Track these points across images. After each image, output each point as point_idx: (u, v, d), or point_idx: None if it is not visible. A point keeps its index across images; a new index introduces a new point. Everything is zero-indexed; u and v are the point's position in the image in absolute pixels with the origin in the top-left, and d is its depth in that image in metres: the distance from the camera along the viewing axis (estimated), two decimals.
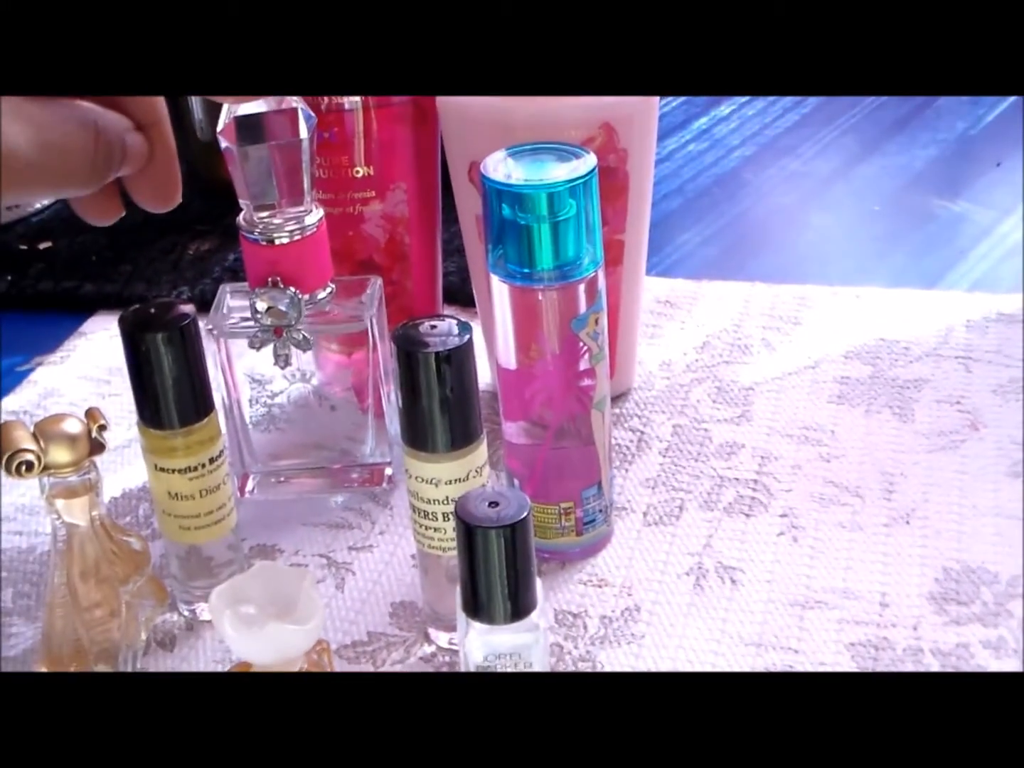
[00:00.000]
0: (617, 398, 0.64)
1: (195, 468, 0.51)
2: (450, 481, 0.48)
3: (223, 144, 0.54)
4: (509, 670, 0.42)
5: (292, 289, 0.55)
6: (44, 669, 0.50)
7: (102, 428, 0.47)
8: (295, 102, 0.54)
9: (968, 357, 0.66)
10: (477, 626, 0.42)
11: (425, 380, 0.47)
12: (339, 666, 0.50)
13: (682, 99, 0.96)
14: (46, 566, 0.51)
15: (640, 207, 0.60)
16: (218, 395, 0.57)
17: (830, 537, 0.56)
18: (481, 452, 0.49)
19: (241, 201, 0.55)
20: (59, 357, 0.72)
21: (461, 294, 0.71)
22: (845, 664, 0.49)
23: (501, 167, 0.50)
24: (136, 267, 0.79)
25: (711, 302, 0.72)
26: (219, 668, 0.50)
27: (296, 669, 0.44)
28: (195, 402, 0.50)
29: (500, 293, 0.51)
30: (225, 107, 0.54)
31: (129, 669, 0.50)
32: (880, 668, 0.49)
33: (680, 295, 0.73)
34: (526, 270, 0.50)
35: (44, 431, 0.47)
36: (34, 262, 0.80)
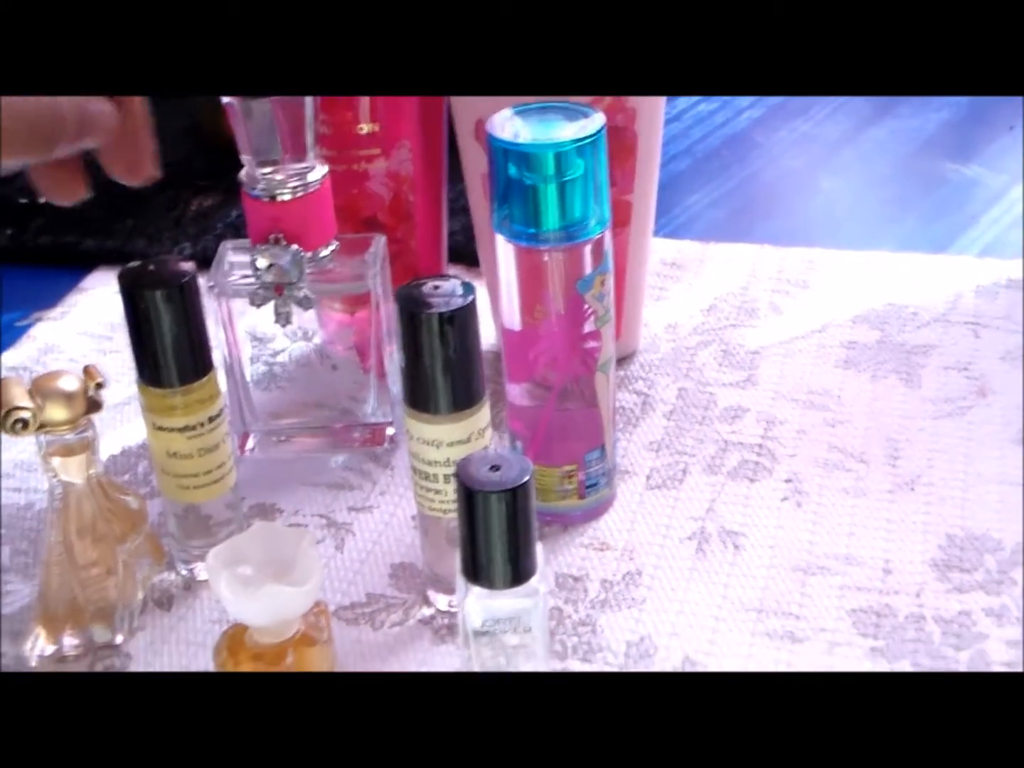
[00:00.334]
0: (622, 360, 0.64)
1: (194, 427, 0.50)
2: (452, 443, 0.48)
3: (225, 99, 0.53)
4: (507, 633, 0.42)
5: (294, 246, 0.55)
6: (40, 627, 0.49)
7: (99, 386, 0.47)
8: None
9: (976, 323, 0.65)
10: (476, 590, 0.41)
11: (428, 341, 0.46)
12: (337, 628, 0.50)
13: None
14: (44, 523, 0.51)
15: (648, 167, 0.60)
16: (219, 353, 0.56)
17: (834, 503, 0.55)
18: (483, 414, 0.48)
19: (243, 157, 0.55)
20: (59, 312, 0.72)
21: (466, 253, 0.70)
22: (846, 631, 0.49)
23: (507, 125, 0.49)
24: (138, 223, 0.78)
25: (718, 264, 0.72)
26: (216, 628, 0.50)
27: (293, 631, 0.44)
28: (194, 361, 0.50)
29: (505, 253, 0.50)
30: None
31: (126, 628, 0.50)
32: (882, 635, 0.49)
33: (687, 257, 0.72)
34: (532, 230, 0.49)
35: (41, 388, 0.46)
36: (35, 216, 0.80)
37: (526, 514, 0.40)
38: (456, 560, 0.42)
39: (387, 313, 0.57)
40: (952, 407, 0.60)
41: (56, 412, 0.46)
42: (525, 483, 0.40)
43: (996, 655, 0.48)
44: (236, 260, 0.57)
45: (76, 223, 0.78)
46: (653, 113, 0.58)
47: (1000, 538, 0.53)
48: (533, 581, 0.42)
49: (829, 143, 0.83)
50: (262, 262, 0.55)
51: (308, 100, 0.53)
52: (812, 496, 0.56)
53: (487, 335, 0.62)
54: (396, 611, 0.51)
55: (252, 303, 0.56)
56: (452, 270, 0.70)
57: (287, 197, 0.54)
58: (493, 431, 0.58)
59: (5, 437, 0.46)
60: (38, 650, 0.49)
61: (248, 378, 0.59)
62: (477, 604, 0.42)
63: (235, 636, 0.45)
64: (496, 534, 0.40)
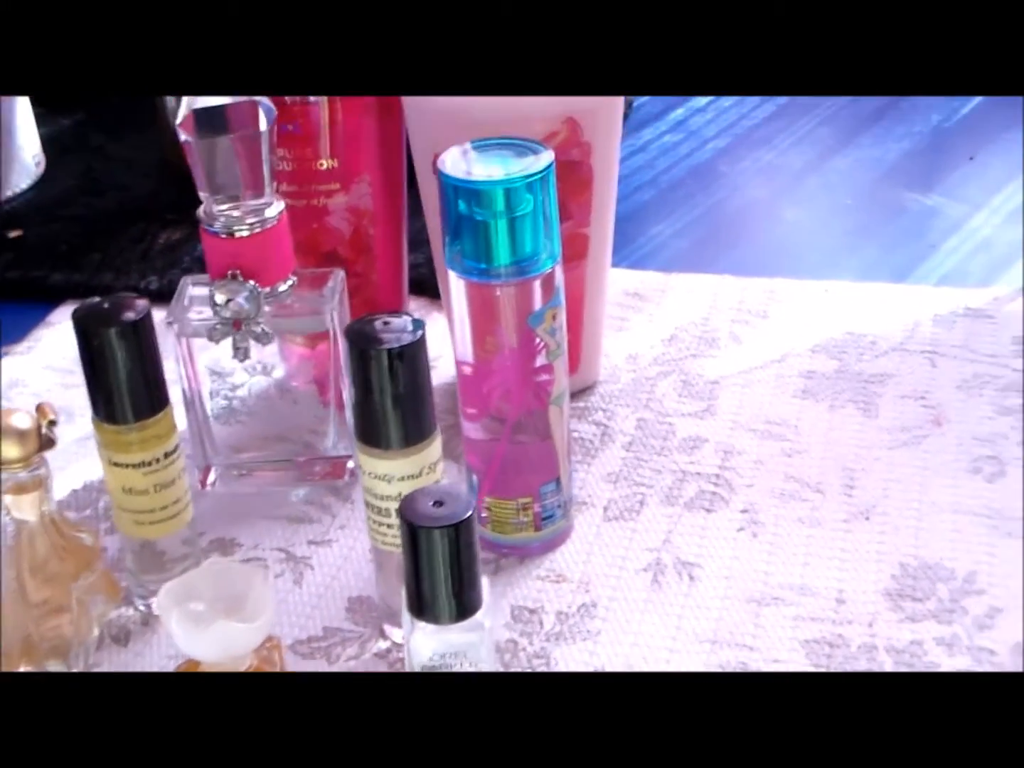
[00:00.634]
0: (582, 392, 0.64)
1: (149, 463, 0.51)
2: (403, 478, 0.48)
3: (182, 136, 0.54)
4: (456, 670, 0.42)
5: (251, 282, 0.55)
6: None
7: (52, 423, 0.47)
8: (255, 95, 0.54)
9: (934, 352, 0.66)
10: (422, 626, 0.42)
11: (377, 377, 0.47)
12: (292, 662, 0.50)
13: None
14: None
15: (605, 201, 0.60)
16: (178, 387, 0.57)
17: (789, 533, 0.56)
18: (434, 448, 0.49)
19: (201, 193, 0.55)
20: (25, 347, 0.72)
21: (429, 286, 0.71)
22: (799, 662, 0.49)
23: (458, 162, 0.49)
24: (105, 256, 0.78)
25: (680, 295, 0.72)
26: (172, 663, 0.50)
27: (245, 666, 0.44)
28: (149, 397, 0.50)
29: (457, 288, 0.51)
30: (184, 99, 0.54)
31: (81, 665, 0.50)
32: (834, 666, 0.49)
33: (649, 287, 0.73)
34: (483, 266, 0.50)
35: None
36: (2, 251, 0.80)
37: (470, 549, 0.41)
38: (402, 596, 0.43)
39: (345, 347, 0.57)
40: (908, 436, 0.60)
41: (8, 450, 0.47)
42: (468, 518, 0.40)
43: None
44: (196, 295, 0.57)
45: (44, 257, 0.79)
46: (608, 147, 0.59)
47: (953, 567, 0.53)
48: (479, 615, 0.42)
49: (792, 173, 0.84)
50: (220, 298, 0.55)
51: (265, 137, 0.54)
52: (768, 526, 0.56)
53: (448, 368, 0.63)
54: (352, 645, 0.52)
55: (210, 338, 0.56)
56: (414, 302, 0.70)
57: (245, 233, 0.55)
58: (452, 463, 0.59)
59: None
60: None
61: (209, 413, 0.60)
62: (424, 639, 0.42)
63: (187, 671, 0.45)
64: (440, 569, 0.41)
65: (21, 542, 0.48)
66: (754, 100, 0.93)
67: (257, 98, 0.54)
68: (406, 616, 0.42)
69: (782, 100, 0.93)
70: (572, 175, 0.57)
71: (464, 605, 0.41)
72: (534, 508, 0.54)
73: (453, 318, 0.52)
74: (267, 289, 0.56)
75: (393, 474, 0.48)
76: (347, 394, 0.58)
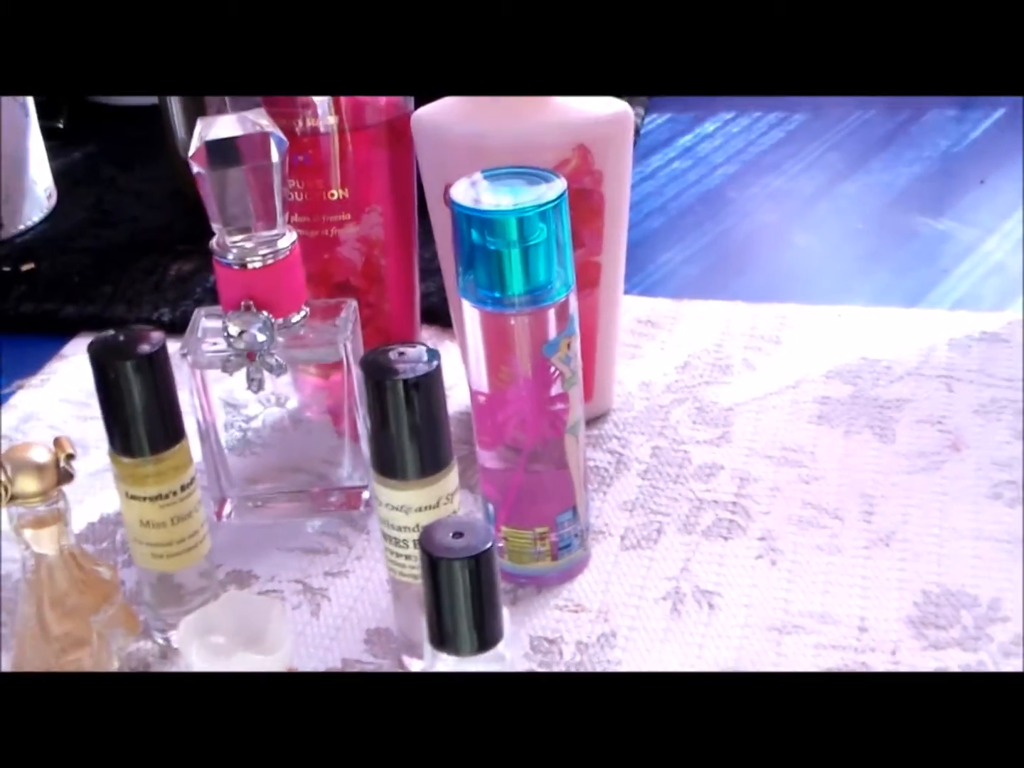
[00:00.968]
0: (596, 420, 0.64)
1: (166, 496, 0.50)
2: (420, 508, 0.48)
3: (194, 168, 0.54)
4: None
5: (265, 313, 0.55)
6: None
7: (70, 457, 0.47)
8: (267, 126, 0.54)
9: (950, 376, 0.65)
10: (443, 657, 0.41)
11: (393, 407, 0.46)
12: None
13: (667, 116, 0.95)
14: (19, 594, 0.51)
15: (616, 228, 0.60)
16: (193, 419, 0.57)
17: (808, 560, 0.55)
18: (451, 479, 0.48)
19: (213, 225, 0.55)
20: (40, 380, 0.72)
21: (441, 314, 0.71)
22: None
23: (471, 192, 0.49)
24: (117, 288, 0.79)
25: (692, 322, 0.72)
26: None
27: None
28: (165, 429, 0.50)
29: (471, 318, 0.51)
30: (196, 131, 0.54)
31: None
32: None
33: (661, 315, 0.73)
34: (497, 295, 0.49)
35: (11, 460, 0.47)
36: (16, 284, 0.80)
37: (490, 580, 0.40)
38: (423, 627, 0.42)
39: (359, 377, 0.57)
40: (926, 461, 0.60)
41: (27, 484, 0.47)
42: (488, 549, 0.40)
43: None
44: (209, 326, 0.57)
45: (57, 290, 0.79)
46: (619, 175, 0.59)
47: (976, 594, 0.53)
48: (500, 647, 0.41)
49: (802, 198, 0.84)
50: (233, 329, 0.55)
51: (276, 168, 0.54)
52: (787, 554, 0.56)
53: (462, 396, 0.63)
54: None
55: (224, 370, 0.56)
56: (426, 332, 0.70)
57: (257, 264, 0.55)
58: (469, 492, 0.59)
59: None
60: None
61: (223, 444, 0.59)
62: (444, 671, 0.42)
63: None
64: (461, 601, 0.40)
65: (41, 576, 0.48)
66: (762, 126, 0.94)
67: (269, 129, 0.54)
68: (427, 648, 0.42)
69: (791, 126, 0.93)
70: (583, 203, 0.57)
71: (485, 636, 0.41)
72: (551, 537, 0.54)
73: (467, 347, 0.52)
74: (280, 320, 0.56)
75: (410, 505, 0.48)
76: (361, 424, 0.58)
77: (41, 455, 0.47)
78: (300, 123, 0.59)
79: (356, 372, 0.57)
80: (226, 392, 0.59)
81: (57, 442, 0.48)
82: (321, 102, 0.59)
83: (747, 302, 0.73)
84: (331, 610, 0.55)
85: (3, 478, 0.46)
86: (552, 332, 0.50)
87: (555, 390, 0.51)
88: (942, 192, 0.83)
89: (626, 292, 0.65)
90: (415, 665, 0.51)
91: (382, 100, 0.60)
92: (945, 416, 0.63)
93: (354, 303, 0.58)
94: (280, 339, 0.56)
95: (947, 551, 0.55)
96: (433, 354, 0.47)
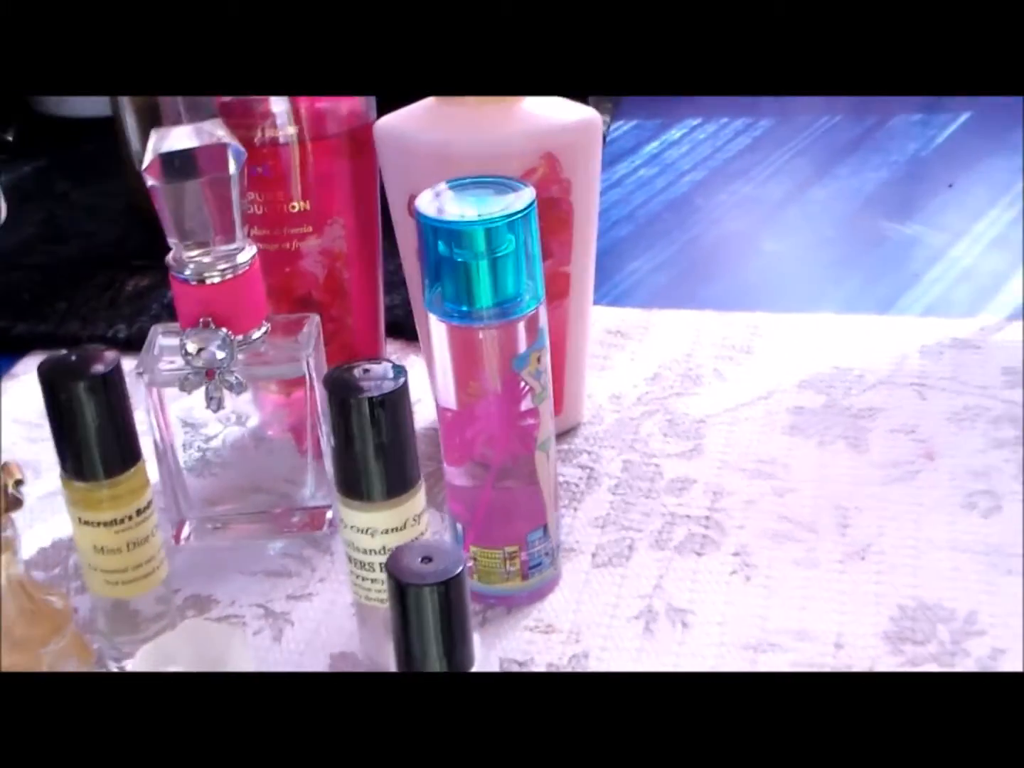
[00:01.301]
0: (566, 433, 0.63)
1: (121, 520, 0.49)
2: (387, 530, 0.46)
3: (149, 182, 0.52)
4: None
5: (224, 330, 0.53)
6: None
7: (19, 483, 0.45)
8: (223, 137, 0.52)
9: (922, 384, 0.65)
10: None
11: (358, 426, 0.45)
12: None
13: (633, 123, 0.95)
14: None
15: (585, 238, 0.59)
16: (150, 439, 0.55)
17: (784, 575, 0.54)
18: (419, 500, 0.47)
19: (170, 240, 0.54)
20: None
21: (406, 327, 0.69)
22: None
23: (436, 202, 0.48)
24: (71, 305, 0.77)
25: (662, 331, 0.71)
26: None
27: None
28: (120, 451, 0.48)
29: (438, 332, 0.49)
30: (150, 144, 0.52)
31: None
32: None
33: (630, 325, 0.72)
34: (464, 308, 0.48)
35: None
36: None
37: (461, 606, 0.39)
38: (391, 652, 0.41)
39: (322, 394, 0.55)
40: (900, 471, 0.59)
41: None
42: (459, 574, 0.38)
43: None
44: (166, 344, 0.56)
45: (7, 307, 0.77)
46: (588, 184, 0.57)
47: (952, 607, 0.52)
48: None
49: (770, 205, 0.83)
50: (192, 347, 0.53)
51: (234, 180, 0.52)
52: (761, 569, 0.54)
53: (428, 411, 0.61)
54: None
55: (182, 388, 0.54)
56: (391, 345, 0.69)
57: (216, 280, 0.53)
58: (435, 511, 0.57)
59: None
60: None
61: (182, 465, 0.58)
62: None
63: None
64: (430, 628, 0.39)
65: None
66: (728, 133, 0.93)
67: (226, 140, 0.52)
68: None
69: (757, 132, 0.92)
70: (551, 213, 0.56)
71: (456, 663, 0.39)
72: (521, 556, 0.52)
73: (433, 362, 0.51)
74: (240, 337, 0.54)
75: (376, 527, 0.46)
76: (324, 443, 0.57)
77: None
78: (259, 133, 0.57)
79: (319, 389, 0.55)
80: (184, 411, 0.57)
81: (5, 467, 0.46)
82: (280, 112, 0.57)
83: (717, 311, 0.72)
84: (294, 635, 0.53)
85: None
86: (522, 346, 0.48)
87: (525, 405, 0.50)
88: (910, 197, 0.82)
89: (594, 302, 0.63)
90: None
91: (343, 109, 0.59)
92: (918, 425, 0.62)
93: (317, 318, 0.56)
94: (240, 356, 0.54)
95: (923, 563, 0.54)
96: (399, 371, 0.46)
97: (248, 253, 0.54)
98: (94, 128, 0.97)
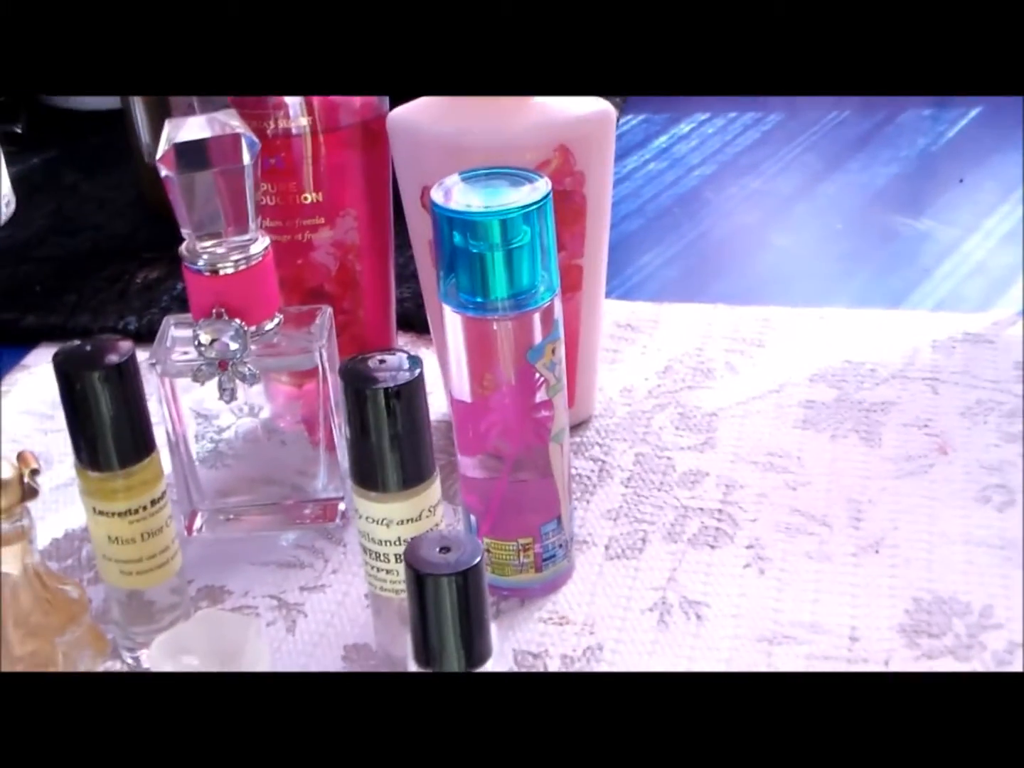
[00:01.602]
0: (578, 427, 0.63)
1: (136, 511, 0.49)
2: (402, 521, 0.46)
3: (163, 172, 0.52)
4: None
5: (237, 321, 0.53)
6: None
7: (34, 472, 0.45)
8: (237, 128, 0.52)
9: (935, 378, 0.64)
10: None
11: (374, 417, 0.45)
12: None
13: (641, 117, 0.94)
14: None
15: (598, 231, 0.59)
16: (162, 430, 0.55)
17: (797, 568, 0.54)
18: (434, 491, 0.47)
19: (183, 230, 0.53)
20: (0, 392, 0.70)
21: (417, 321, 0.69)
22: None
23: (451, 193, 0.48)
24: (81, 297, 0.76)
25: (673, 325, 0.71)
26: None
27: None
28: (135, 442, 0.48)
29: (453, 323, 0.49)
30: (164, 134, 0.52)
31: None
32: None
33: (641, 318, 0.72)
34: (479, 299, 0.48)
35: None
36: None
37: (478, 596, 0.39)
38: (408, 643, 0.41)
39: (335, 385, 0.55)
40: (913, 465, 0.59)
41: None
42: (476, 564, 0.38)
43: None
44: (179, 335, 0.56)
45: (17, 299, 0.77)
46: (601, 176, 0.57)
47: (968, 600, 0.52)
48: (488, 665, 0.40)
49: (780, 199, 0.83)
50: (205, 338, 0.53)
51: (248, 171, 0.52)
52: (775, 562, 0.54)
53: (440, 404, 0.61)
54: None
55: (195, 379, 0.54)
56: (402, 338, 0.69)
57: (229, 271, 0.53)
58: (448, 504, 0.57)
59: None
60: None
61: (194, 456, 0.58)
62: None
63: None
64: (448, 618, 0.39)
65: (4, 595, 0.46)
66: (738, 127, 0.93)
67: (239, 131, 0.52)
68: (412, 666, 0.40)
69: (766, 127, 0.92)
70: (565, 205, 0.56)
71: (473, 654, 0.39)
72: (535, 548, 0.52)
73: (446, 354, 0.51)
74: (253, 328, 0.54)
75: (391, 518, 0.46)
76: (337, 434, 0.57)
77: (4, 471, 0.45)
78: (272, 124, 0.57)
79: (332, 380, 0.55)
80: (197, 402, 0.57)
81: (21, 456, 0.46)
82: (293, 103, 0.57)
83: (728, 304, 0.72)
84: (307, 626, 0.53)
85: None
86: (537, 337, 0.48)
87: (539, 397, 0.50)
88: (921, 192, 0.82)
89: (605, 296, 0.63)
90: None
91: (356, 101, 0.59)
92: (931, 419, 0.62)
93: (329, 310, 0.56)
94: (253, 347, 0.54)
95: (937, 557, 0.54)
96: (414, 362, 0.46)
97: (261, 244, 0.54)
98: (103, 120, 0.97)
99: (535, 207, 0.47)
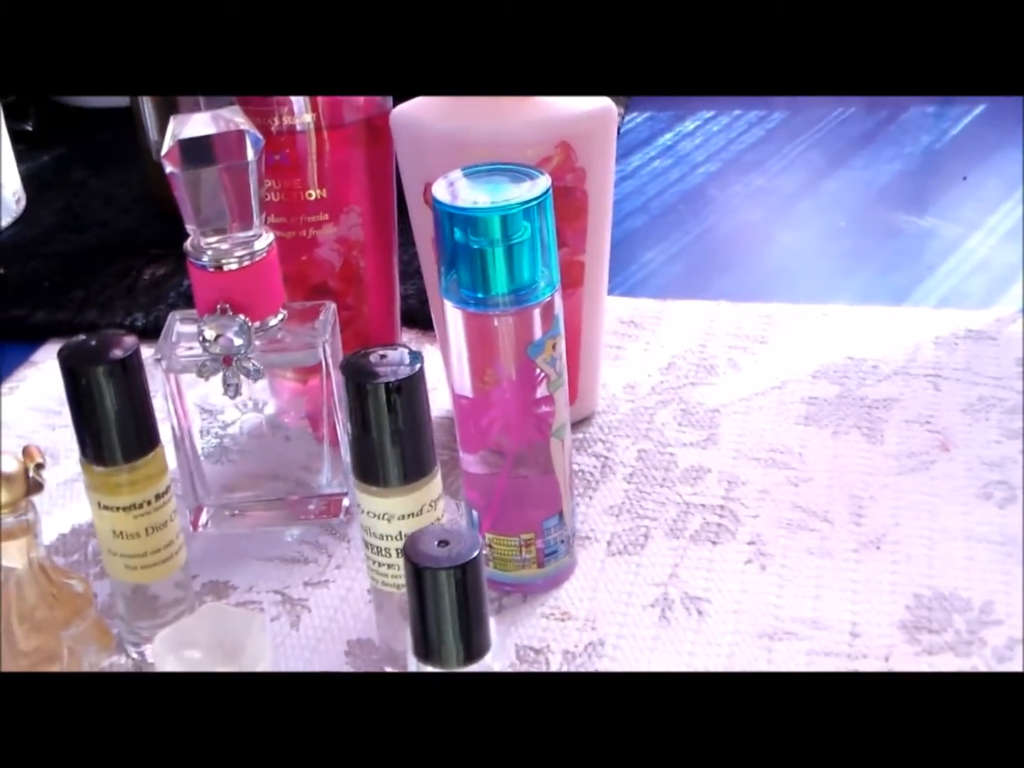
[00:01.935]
0: (580, 423, 0.63)
1: (140, 505, 0.49)
2: (403, 516, 0.46)
3: (168, 168, 0.52)
4: None
5: (241, 316, 0.54)
6: None
7: (39, 467, 0.46)
8: (242, 124, 0.53)
9: (937, 375, 0.65)
10: (428, 669, 0.40)
11: (375, 412, 0.45)
12: None
13: (646, 115, 0.94)
14: None
15: (600, 227, 0.59)
16: (167, 426, 0.55)
17: (798, 564, 0.54)
18: (435, 485, 0.47)
19: (188, 226, 0.54)
20: (8, 388, 0.70)
21: (421, 317, 0.69)
22: None
23: (452, 189, 0.48)
24: (88, 293, 0.77)
25: (676, 322, 0.71)
26: None
27: None
28: (139, 436, 0.49)
29: (454, 319, 0.49)
30: (169, 130, 0.52)
31: None
32: None
33: (644, 315, 0.72)
34: (480, 295, 0.48)
35: None
36: None
37: (477, 590, 0.39)
38: (407, 638, 0.41)
39: (339, 381, 0.56)
40: (915, 462, 0.59)
41: None
42: (475, 558, 0.39)
43: None
44: (184, 331, 0.56)
45: (26, 296, 0.77)
46: (603, 172, 0.58)
47: (968, 597, 0.52)
48: (487, 659, 0.40)
49: (784, 196, 0.83)
50: (209, 333, 0.54)
51: (252, 167, 0.53)
52: (776, 558, 0.55)
53: (443, 400, 0.62)
54: None
55: (200, 375, 0.55)
56: (406, 334, 0.69)
57: (234, 266, 0.53)
58: (451, 499, 0.57)
59: None
60: None
61: (199, 451, 0.58)
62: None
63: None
64: (447, 611, 0.39)
65: (9, 590, 0.46)
66: (742, 125, 0.93)
67: (244, 127, 0.53)
68: (412, 660, 0.41)
69: (771, 124, 0.92)
70: (566, 201, 0.56)
71: (472, 648, 0.40)
72: (537, 544, 0.53)
73: (449, 350, 0.51)
74: (257, 323, 0.54)
75: (393, 512, 0.46)
76: (341, 430, 0.57)
77: (9, 465, 0.45)
78: (276, 121, 0.58)
79: (336, 376, 0.55)
80: (201, 398, 0.57)
81: (26, 451, 0.46)
82: (297, 100, 0.58)
83: (731, 301, 0.72)
84: (311, 621, 0.53)
85: None
86: (537, 333, 0.49)
87: (540, 392, 0.50)
88: (925, 189, 0.82)
89: (609, 292, 0.63)
90: None
91: (359, 98, 0.59)
92: (933, 415, 0.62)
93: (333, 306, 0.57)
94: (257, 343, 0.54)
95: (938, 553, 0.54)
96: (415, 357, 0.46)
97: (265, 240, 0.54)
98: (111, 118, 0.98)
99: (535, 203, 0.47)
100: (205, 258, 0.53)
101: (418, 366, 0.45)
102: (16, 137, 0.88)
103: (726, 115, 0.94)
